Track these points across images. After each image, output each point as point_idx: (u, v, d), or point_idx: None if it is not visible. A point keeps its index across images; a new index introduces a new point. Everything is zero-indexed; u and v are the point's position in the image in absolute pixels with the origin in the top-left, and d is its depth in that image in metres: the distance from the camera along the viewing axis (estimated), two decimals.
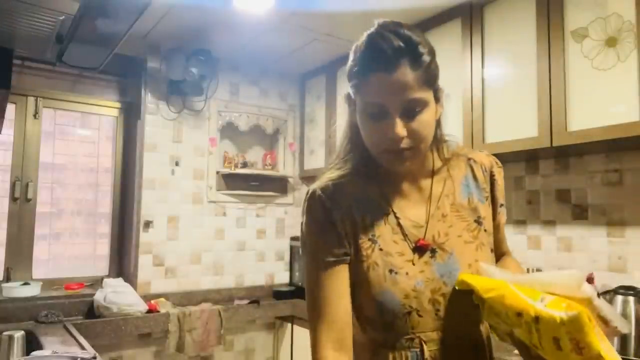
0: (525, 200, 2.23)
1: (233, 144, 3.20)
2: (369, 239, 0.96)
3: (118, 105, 2.92)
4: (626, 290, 1.73)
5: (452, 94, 2.21)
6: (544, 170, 2.17)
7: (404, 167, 0.95)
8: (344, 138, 1.03)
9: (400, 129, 0.88)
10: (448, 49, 2.24)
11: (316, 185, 1.00)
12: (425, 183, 1.01)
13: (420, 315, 0.93)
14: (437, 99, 0.94)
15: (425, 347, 0.92)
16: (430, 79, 0.90)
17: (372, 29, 0.91)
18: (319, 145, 3.16)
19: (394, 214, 0.98)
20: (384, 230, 0.96)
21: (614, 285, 1.82)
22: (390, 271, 0.93)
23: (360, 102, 0.92)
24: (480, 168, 1.04)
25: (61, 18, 1.55)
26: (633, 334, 1.66)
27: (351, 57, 0.93)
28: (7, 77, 1.85)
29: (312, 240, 0.97)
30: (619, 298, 1.72)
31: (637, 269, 1.85)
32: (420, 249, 0.96)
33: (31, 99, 2.65)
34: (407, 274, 0.93)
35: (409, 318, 0.92)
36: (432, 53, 0.91)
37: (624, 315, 1.69)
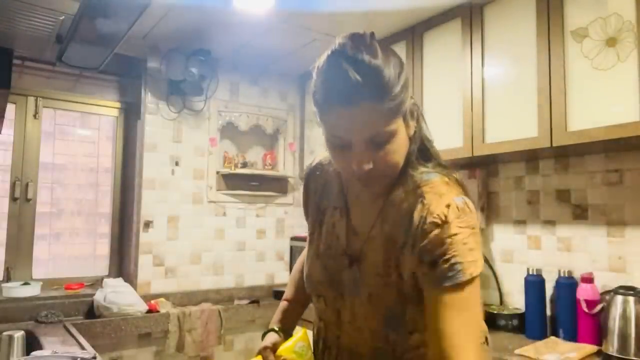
0: (525, 200, 2.23)
1: (233, 144, 3.20)
2: (318, 223, 1.07)
3: (118, 105, 2.92)
4: (626, 290, 1.72)
5: (452, 94, 2.20)
6: (544, 170, 2.17)
7: (373, 188, 0.91)
8: None
9: (365, 161, 0.82)
10: (448, 49, 2.24)
11: (318, 157, 1.12)
12: (380, 198, 0.94)
13: (326, 305, 1.03)
14: (407, 121, 0.87)
15: (323, 329, 1.07)
16: (397, 107, 0.81)
17: (331, 53, 0.80)
18: (319, 145, 3.15)
19: (346, 212, 1.00)
20: (330, 222, 1.03)
21: (614, 285, 1.82)
22: (317, 256, 1.05)
23: (325, 129, 0.85)
24: (420, 214, 0.87)
25: (61, 18, 1.55)
26: (633, 334, 1.66)
27: (313, 79, 0.84)
28: (7, 77, 1.85)
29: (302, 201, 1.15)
30: (619, 298, 1.71)
31: (637, 269, 1.85)
32: (348, 255, 0.99)
33: (31, 99, 2.65)
34: (325, 266, 1.03)
35: (318, 301, 1.06)
36: (399, 74, 0.81)
37: (624, 315, 1.69)
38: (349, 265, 0.96)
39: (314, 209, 1.08)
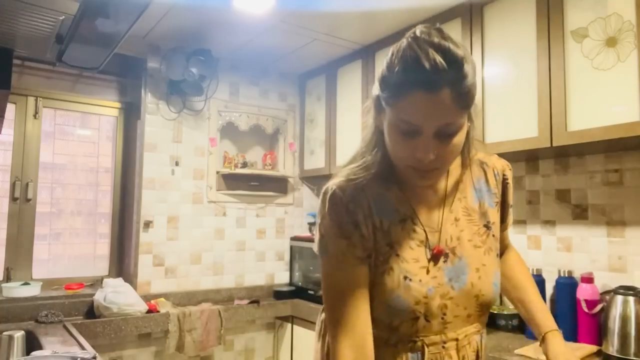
0: (525, 200, 2.23)
1: (233, 144, 3.20)
2: (387, 244, 0.94)
3: (118, 105, 2.92)
4: (626, 290, 1.73)
5: None
6: (544, 170, 2.17)
7: (427, 184, 0.95)
8: (369, 139, 0.98)
9: (431, 151, 0.84)
10: None
11: (335, 185, 0.95)
12: (441, 185, 1.00)
13: (427, 320, 0.93)
14: (471, 118, 0.91)
15: (426, 350, 0.93)
16: (469, 101, 0.84)
17: (414, 39, 0.82)
18: (319, 145, 3.15)
19: (412, 219, 0.96)
20: (401, 235, 0.95)
21: (614, 285, 1.82)
22: (405, 278, 0.92)
23: (392, 114, 0.86)
24: (492, 172, 1.05)
25: (61, 18, 1.55)
26: (633, 334, 1.66)
27: (387, 64, 0.85)
28: (7, 77, 1.85)
29: (336, 242, 0.93)
30: (619, 298, 1.72)
31: (637, 269, 1.85)
32: (435, 257, 0.95)
33: (31, 99, 2.65)
34: (420, 281, 0.93)
35: (416, 323, 0.92)
36: (474, 71, 0.84)
37: (624, 315, 1.69)
38: (444, 262, 0.96)
39: (371, 235, 0.94)
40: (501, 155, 2.08)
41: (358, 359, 0.89)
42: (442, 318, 0.94)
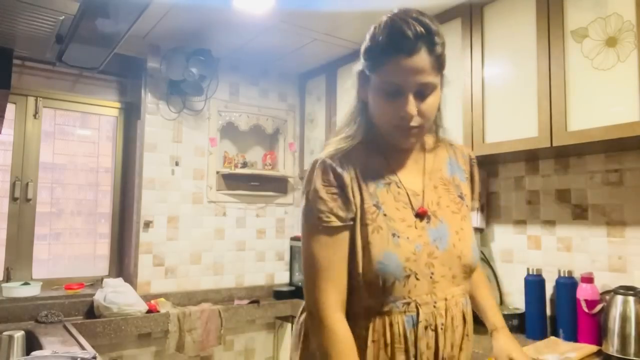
0: (525, 200, 2.23)
1: (233, 144, 3.20)
2: (374, 205, 1.01)
3: (118, 105, 2.92)
4: (626, 290, 1.73)
5: (452, 94, 2.20)
6: (544, 170, 2.17)
7: (410, 143, 1.05)
8: (352, 112, 1.09)
9: (413, 107, 0.97)
10: (448, 49, 2.23)
11: (323, 155, 1.04)
12: (419, 157, 1.12)
13: (417, 279, 0.99)
14: (441, 85, 1.03)
15: (420, 310, 0.98)
16: (441, 65, 0.99)
17: (395, 13, 0.99)
18: (319, 145, 3.15)
19: (396, 183, 1.05)
20: (387, 198, 1.03)
21: (614, 285, 1.82)
22: (394, 235, 0.99)
23: (377, 80, 0.99)
24: (460, 152, 1.19)
25: (61, 18, 1.55)
26: (633, 334, 1.66)
27: (369, 37, 1.00)
28: (7, 77, 1.85)
29: (321, 206, 0.99)
30: (619, 298, 1.72)
31: (637, 269, 1.85)
32: (420, 216, 1.04)
33: (31, 99, 2.65)
34: (408, 238, 1.00)
35: (407, 281, 0.98)
36: (444, 43, 1.00)
37: (624, 315, 1.69)
38: (427, 223, 1.04)
39: (358, 197, 1.01)
40: (501, 155, 2.09)
41: (343, 313, 0.98)
42: (431, 277, 1.00)
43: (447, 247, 1.03)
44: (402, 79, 0.96)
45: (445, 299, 1.01)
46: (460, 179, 1.15)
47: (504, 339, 1.17)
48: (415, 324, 0.98)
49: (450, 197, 1.10)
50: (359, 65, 1.04)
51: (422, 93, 0.98)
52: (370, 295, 0.98)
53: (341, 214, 0.99)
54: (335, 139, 1.08)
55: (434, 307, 0.99)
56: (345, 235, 1.00)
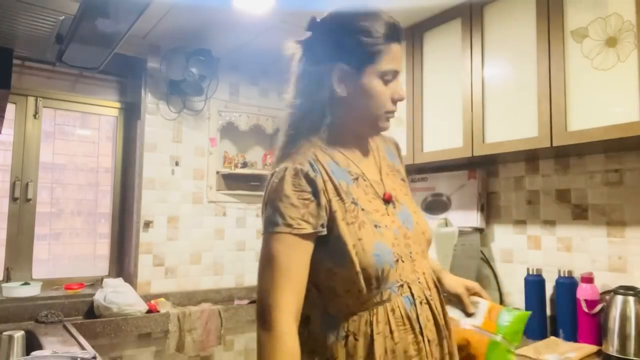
0: (525, 200, 2.23)
1: (233, 144, 3.20)
2: (352, 202, 1.03)
3: (118, 105, 2.92)
4: (626, 290, 1.73)
5: (452, 94, 2.21)
6: (544, 170, 2.17)
7: (388, 127, 1.13)
8: (317, 110, 1.08)
9: (404, 90, 1.12)
10: (448, 49, 2.24)
11: (290, 163, 1.03)
12: (366, 147, 1.18)
13: (403, 261, 1.04)
14: None
15: (412, 288, 1.04)
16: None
17: (378, 13, 1.08)
18: None
19: (361, 176, 1.10)
20: (359, 192, 1.06)
21: (614, 285, 1.83)
22: (376, 226, 1.03)
23: (375, 70, 1.05)
24: (389, 140, 1.28)
25: (61, 18, 1.55)
26: (633, 334, 1.66)
27: (367, 33, 1.05)
28: (7, 77, 1.85)
29: (292, 212, 0.97)
30: (619, 298, 1.72)
31: (637, 269, 1.85)
32: (387, 202, 1.10)
33: (31, 99, 2.65)
34: (386, 226, 1.05)
35: (397, 266, 1.02)
36: None
37: (624, 315, 1.69)
38: (394, 208, 1.10)
39: (336, 197, 1.02)
40: (501, 155, 2.09)
41: (296, 322, 0.96)
42: (410, 256, 1.06)
43: (414, 227, 1.11)
44: (397, 65, 1.07)
45: (424, 273, 1.09)
46: (396, 163, 1.24)
47: (451, 275, 1.29)
48: (413, 302, 1.02)
49: (398, 181, 1.20)
50: (343, 66, 1.06)
51: (398, 79, 1.11)
52: (368, 289, 0.99)
53: (312, 220, 0.98)
54: (298, 146, 1.08)
55: (419, 282, 1.06)
56: (311, 243, 0.99)
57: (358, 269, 0.98)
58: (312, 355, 1.03)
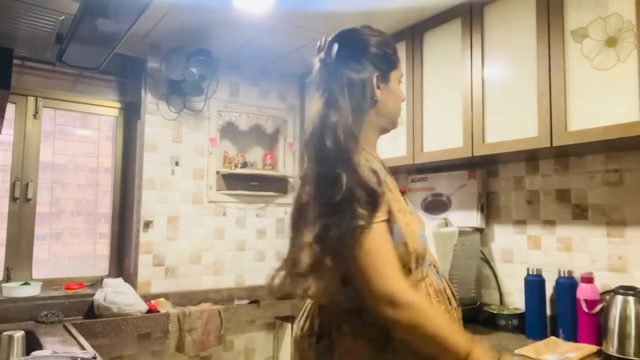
0: (525, 200, 2.23)
1: (233, 144, 3.20)
2: (393, 199, 1.14)
3: (118, 105, 2.92)
4: (626, 290, 1.73)
5: (452, 94, 2.21)
6: (544, 170, 2.17)
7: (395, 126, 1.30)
8: (358, 120, 1.16)
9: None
10: (448, 49, 2.24)
11: (362, 159, 1.11)
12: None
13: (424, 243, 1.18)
14: None
15: (436, 266, 1.21)
16: None
17: (373, 29, 1.25)
18: None
19: (388, 172, 1.23)
20: (392, 186, 1.17)
21: (614, 285, 1.83)
22: (410, 213, 1.17)
23: (395, 77, 1.25)
24: None
25: (61, 18, 1.54)
26: (633, 334, 1.66)
27: (382, 46, 1.22)
28: (7, 77, 1.85)
29: (369, 200, 1.04)
30: (619, 298, 1.72)
31: (637, 269, 1.85)
32: (403, 193, 1.22)
33: (31, 99, 2.65)
34: (411, 214, 1.17)
35: (424, 249, 1.16)
36: None
37: (624, 315, 1.69)
38: (406, 199, 1.23)
39: (387, 188, 1.12)
40: (501, 155, 2.09)
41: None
42: (424, 238, 1.19)
43: (416, 213, 1.24)
44: (403, 70, 1.26)
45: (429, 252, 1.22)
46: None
47: None
48: (440, 277, 1.19)
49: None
50: (371, 75, 1.19)
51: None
52: (416, 267, 1.11)
53: (385, 208, 1.08)
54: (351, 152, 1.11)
55: (431, 260, 1.20)
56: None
57: (411, 249, 1.09)
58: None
